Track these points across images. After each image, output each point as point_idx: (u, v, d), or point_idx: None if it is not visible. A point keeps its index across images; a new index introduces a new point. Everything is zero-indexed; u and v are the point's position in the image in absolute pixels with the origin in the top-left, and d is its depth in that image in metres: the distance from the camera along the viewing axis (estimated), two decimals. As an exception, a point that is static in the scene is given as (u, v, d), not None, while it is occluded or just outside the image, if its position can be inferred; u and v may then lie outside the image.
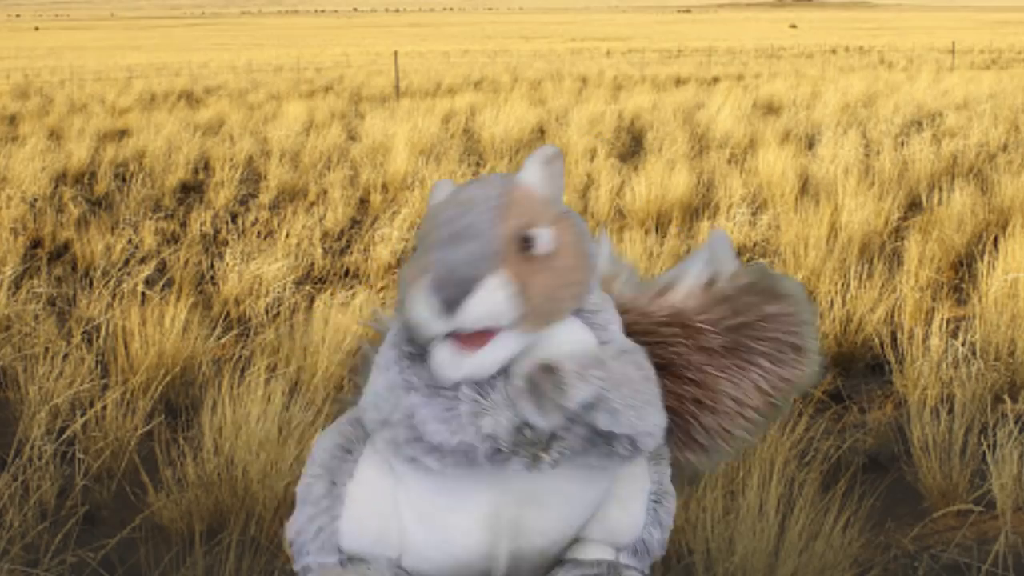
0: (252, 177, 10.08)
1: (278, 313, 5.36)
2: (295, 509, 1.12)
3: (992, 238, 6.52)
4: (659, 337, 1.12)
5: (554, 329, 1.03)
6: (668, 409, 1.14)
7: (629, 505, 1.14)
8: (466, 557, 1.07)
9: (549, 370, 0.99)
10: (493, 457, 0.99)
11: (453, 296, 0.96)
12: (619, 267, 1.22)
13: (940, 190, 7.95)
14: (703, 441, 1.18)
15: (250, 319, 5.49)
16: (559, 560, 1.14)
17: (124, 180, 9.85)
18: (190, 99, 19.99)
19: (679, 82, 23.12)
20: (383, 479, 1.08)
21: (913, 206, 8.10)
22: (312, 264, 6.71)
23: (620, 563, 1.14)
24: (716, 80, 23.27)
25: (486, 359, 0.99)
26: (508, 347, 1.00)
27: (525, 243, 1.00)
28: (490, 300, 0.97)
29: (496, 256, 0.98)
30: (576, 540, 1.14)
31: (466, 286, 0.96)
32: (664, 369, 1.12)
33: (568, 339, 1.04)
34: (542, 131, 13.22)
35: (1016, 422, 3.71)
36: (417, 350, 1.04)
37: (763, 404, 1.17)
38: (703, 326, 1.16)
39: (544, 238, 1.01)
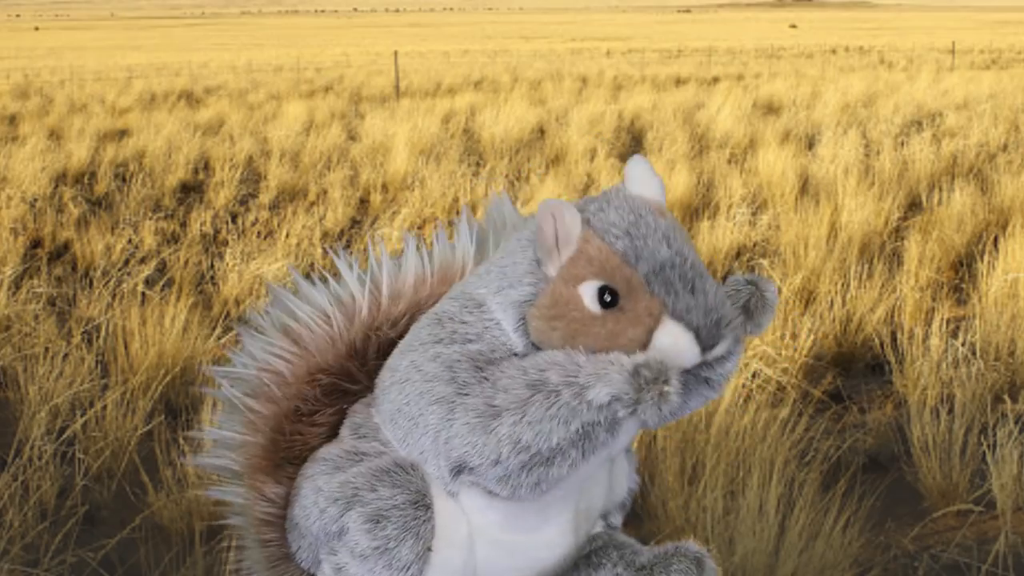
0: (252, 177, 10.09)
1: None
2: (359, 565, 1.01)
3: (992, 238, 6.52)
4: None
5: None
6: None
7: (619, 459, 1.14)
8: (552, 564, 1.05)
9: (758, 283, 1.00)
10: (613, 426, 0.94)
11: (720, 337, 0.94)
12: None
13: (940, 190, 7.95)
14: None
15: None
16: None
17: (124, 180, 9.85)
18: (190, 99, 20.00)
19: (679, 82, 23.13)
20: (459, 526, 1.01)
21: (913, 206, 8.10)
22: (312, 264, 6.72)
23: (608, 529, 1.13)
24: (716, 80, 23.28)
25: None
26: None
27: None
28: (733, 338, 0.96)
29: None
30: None
31: (731, 323, 0.95)
32: None
33: None
34: (542, 131, 13.22)
35: (1016, 422, 3.71)
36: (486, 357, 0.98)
37: None
38: None
39: None
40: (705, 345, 0.92)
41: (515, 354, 0.96)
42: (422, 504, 0.99)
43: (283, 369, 1.07)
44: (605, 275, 0.92)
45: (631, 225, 0.94)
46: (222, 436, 1.11)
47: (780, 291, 5.40)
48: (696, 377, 1.02)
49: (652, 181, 0.97)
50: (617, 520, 1.14)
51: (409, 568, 0.99)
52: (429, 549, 0.99)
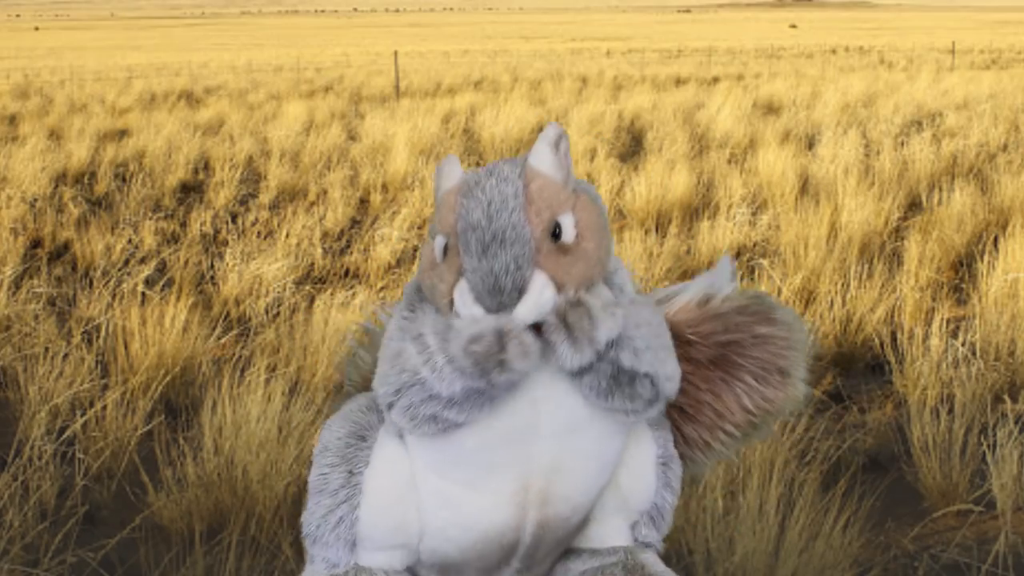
0: (252, 177, 10.09)
1: (278, 313, 5.36)
2: (308, 500, 1.11)
3: (992, 238, 6.52)
4: None
5: None
6: None
7: (639, 469, 1.15)
8: (494, 533, 1.08)
9: (578, 304, 1.01)
10: (507, 381, 1.00)
11: (503, 304, 0.98)
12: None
13: (940, 190, 7.95)
14: (681, 450, 1.20)
15: (250, 319, 5.49)
16: (574, 550, 1.14)
17: (124, 180, 9.85)
18: (190, 99, 20.00)
19: (679, 82, 23.13)
20: (400, 465, 1.09)
21: (913, 206, 8.11)
22: (312, 264, 6.72)
23: (636, 546, 1.14)
24: (716, 80, 23.28)
25: (529, 347, 1.01)
26: (545, 331, 1.02)
27: (553, 235, 1.01)
28: (540, 302, 0.99)
29: (533, 255, 0.99)
30: (590, 518, 1.14)
31: (514, 294, 0.98)
32: None
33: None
34: (542, 131, 13.21)
35: (1016, 422, 3.71)
36: (412, 314, 1.06)
37: (744, 421, 1.19)
38: (692, 338, 1.16)
39: (568, 226, 1.02)
40: (487, 308, 0.98)
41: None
42: (360, 436, 1.10)
43: None
44: (444, 228, 1.03)
45: (474, 185, 1.03)
46: (339, 384, 1.28)
47: (780, 291, 5.40)
48: (607, 383, 1.04)
49: (542, 151, 1.05)
50: (648, 533, 1.15)
51: (338, 492, 1.09)
52: (352, 473, 1.08)
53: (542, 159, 1.05)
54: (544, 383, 1.03)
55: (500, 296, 0.98)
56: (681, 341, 1.15)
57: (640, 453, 1.14)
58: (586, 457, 1.07)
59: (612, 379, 1.03)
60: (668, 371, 1.07)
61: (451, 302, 1.01)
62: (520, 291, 0.98)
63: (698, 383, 1.16)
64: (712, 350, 1.16)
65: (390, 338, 1.08)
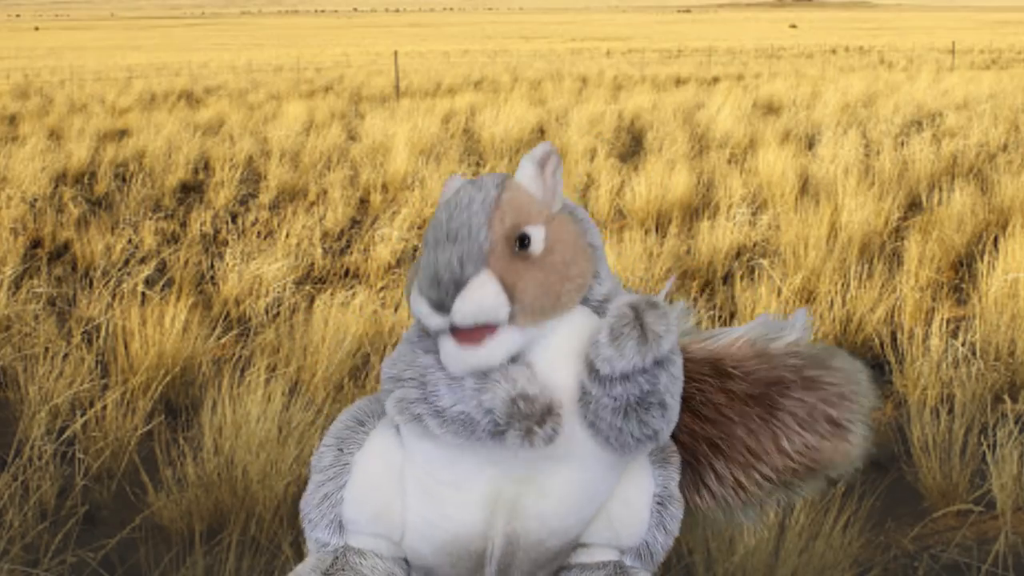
0: (252, 177, 10.09)
1: (278, 313, 5.36)
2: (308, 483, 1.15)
3: (992, 238, 6.52)
4: (686, 373, 1.11)
5: (561, 320, 1.05)
6: (681, 445, 1.15)
7: (633, 504, 1.14)
8: (464, 535, 1.08)
9: (655, 306, 1.02)
10: (493, 431, 1.01)
11: (442, 296, 1.00)
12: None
13: (940, 190, 7.95)
14: (714, 488, 1.17)
15: (250, 319, 5.49)
16: (564, 567, 1.14)
17: (124, 180, 9.85)
18: (190, 99, 20.00)
19: (679, 82, 23.13)
20: (392, 452, 1.11)
21: (913, 206, 8.10)
22: (312, 264, 6.72)
23: (626, 564, 1.14)
24: (716, 80, 23.28)
25: (488, 354, 1.01)
26: (508, 342, 1.01)
27: (519, 243, 1.02)
28: (476, 299, 0.99)
29: (483, 256, 1.00)
30: (580, 545, 1.14)
31: (452, 287, 0.99)
32: (683, 403, 1.12)
33: (575, 326, 1.05)
34: (542, 131, 13.22)
35: (1016, 422, 3.71)
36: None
37: (783, 467, 1.14)
38: (733, 371, 1.14)
39: (536, 237, 1.03)
40: (430, 299, 1.01)
41: None
42: (359, 421, 1.13)
43: None
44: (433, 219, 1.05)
45: (454, 193, 1.06)
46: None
47: (780, 292, 5.40)
48: (601, 393, 1.03)
49: (526, 168, 1.07)
50: (634, 564, 1.14)
51: (327, 470, 1.12)
52: (342, 452, 1.12)
53: (524, 174, 1.07)
54: None
55: (437, 288, 0.99)
56: (719, 372, 1.14)
57: (636, 488, 1.13)
58: (567, 482, 1.07)
59: (640, 398, 1.02)
60: (675, 416, 1.07)
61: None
62: (458, 285, 0.99)
63: (731, 416, 1.14)
64: (752, 386, 1.13)
65: (411, 333, 1.10)
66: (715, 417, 1.14)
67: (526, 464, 1.05)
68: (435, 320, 1.00)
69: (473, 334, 1.00)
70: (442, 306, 0.99)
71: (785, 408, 1.13)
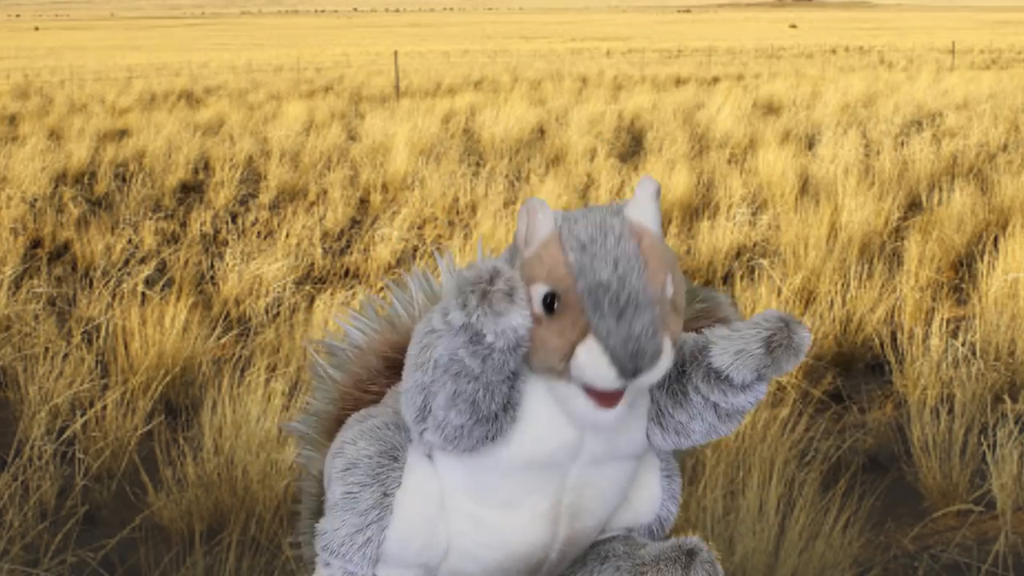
0: (252, 177, 10.09)
1: (278, 313, 5.36)
2: (331, 515, 1.09)
3: (992, 238, 6.52)
4: None
5: None
6: None
7: (647, 482, 1.14)
8: (524, 552, 1.06)
9: (799, 324, 1.00)
10: (476, 351, 0.98)
11: (639, 369, 0.95)
12: None
13: (940, 190, 7.95)
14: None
15: (250, 319, 5.49)
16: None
17: (124, 180, 9.85)
18: (190, 99, 20.00)
19: (679, 82, 23.13)
20: (430, 485, 1.07)
21: (913, 206, 8.11)
22: (312, 264, 6.72)
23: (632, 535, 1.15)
24: (716, 80, 23.28)
25: (617, 416, 0.99)
26: (629, 399, 0.99)
27: (663, 293, 0.98)
28: (667, 363, 0.96)
29: (662, 321, 0.96)
30: (601, 531, 1.14)
31: (653, 358, 0.95)
32: None
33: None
34: (542, 131, 13.23)
35: (1016, 422, 3.71)
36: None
37: None
38: None
39: (670, 284, 0.99)
40: (623, 371, 0.94)
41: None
42: (391, 455, 1.07)
43: (362, 343, 1.17)
44: (552, 281, 0.96)
45: (590, 240, 0.97)
46: (307, 405, 1.21)
47: (780, 291, 5.40)
48: (700, 397, 1.03)
49: (647, 207, 1.00)
50: (642, 538, 1.15)
51: (368, 512, 1.06)
52: (386, 495, 1.06)
53: (647, 215, 1.00)
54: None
55: (640, 361, 0.94)
56: None
57: (646, 467, 1.13)
58: (618, 472, 1.07)
59: (739, 409, 1.04)
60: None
61: (566, 358, 0.96)
62: (657, 357, 0.95)
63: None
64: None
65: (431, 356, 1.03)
66: None
67: (587, 467, 1.05)
68: (613, 385, 0.95)
69: (616, 395, 0.97)
70: (635, 375, 0.95)
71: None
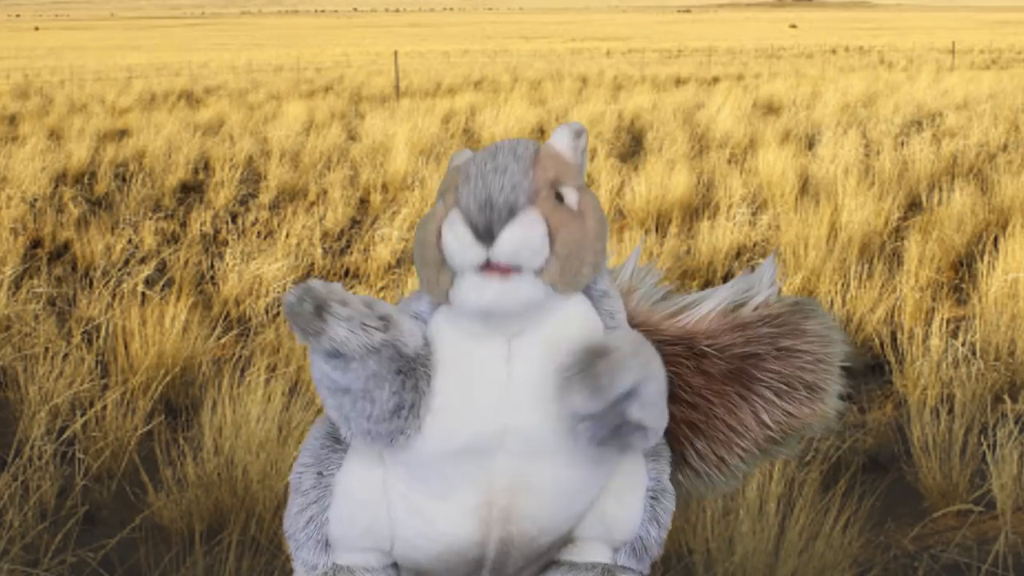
0: (252, 177, 10.09)
1: (278, 313, 5.36)
2: (289, 498, 1.12)
3: (992, 238, 6.52)
4: (661, 355, 1.10)
5: (567, 300, 1.02)
6: None
7: (626, 500, 1.12)
8: (458, 545, 1.07)
9: (602, 353, 0.98)
10: (330, 357, 1.01)
11: (491, 222, 0.94)
12: (642, 280, 1.20)
13: (940, 190, 7.95)
14: (695, 465, 1.16)
15: (250, 319, 5.49)
16: (553, 561, 1.13)
17: (124, 180, 9.85)
18: (190, 99, 19.99)
19: (679, 82, 23.13)
20: (372, 469, 1.08)
21: (913, 206, 8.10)
22: (312, 264, 6.72)
23: (616, 565, 1.12)
24: (716, 80, 23.27)
25: (511, 290, 0.97)
26: (533, 290, 0.97)
27: (556, 195, 0.99)
28: (527, 233, 0.95)
29: (531, 193, 0.97)
30: (571, 540, 1.13)
31: (504, 214, 0.94)
32: None
33: (577, 317, 1.02)
34: (542, 131, 13.23)
35: (1016, 422, 3.71)
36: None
37: (763, 438, 1.14)
38: (708, 350, 1.12)
39: (572, 196, 1.00)
40: (476, 232, 0.94)
41: None
42: (333, 436, 1.09)
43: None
44: (453, 200, 0.98)
45: (487, 152, 1.00)
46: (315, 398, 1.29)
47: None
48: (625, 424, 1.00)
49: (562, 134, 1.04)
50: (628, 562, 1.12)
51: (309, 492, 1.09)
52: (322, 475, 1.08)
53: (560, 140, 1.04)
54: (523, 405, 1.00)
55: (490, 211, 0.94)
56: (694, 353, 1.11)
57: (629, 483, 1.11)
58: (555, 480, 1.05)
59: (614, 429, 1.00)
60: (664, 423, 1.05)
61: (440, 247, 0.98)
62: (511, 213, 0.95)
63: (710, 397, 1.12)
64: (728, 363, 1.11)
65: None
66: (694, 400, 1.12)
67: (518, 470, 1.04)
68: (472, 252, 0.95)
69: (504, 271, 0.96)
70: (489, 234, 0.94)
71: (762, 381, 1.12)
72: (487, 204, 0.95)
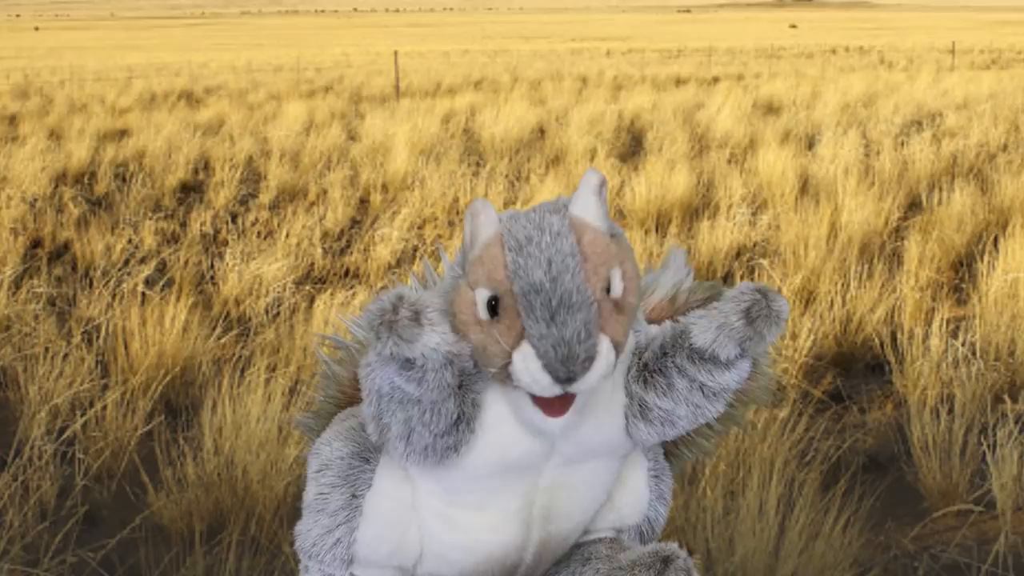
0: (252, 177, 10.09)
1: (278, 313, 5.36)
2: (305, 516, 1.10)
3: (992, 238, 6.53)
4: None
5: None
6: None
7: (632, 483, 1.13)
8: (499, 552, 1.06)
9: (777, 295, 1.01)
10: (402, 368, 0.99)
11: (574, 374, 0.93)
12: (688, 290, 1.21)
13: (940, 190, 7.95)
14: (669, 449, 1.18)
15: (250, 319, 5.49)
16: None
17: (124, 180, 9.85)
18: (190, 99, 19.99)
19: (679, 82, 23.13)
20: (401, 488, 1.07)
21: (913, 206, 8.11)
22: (312, 264, 6.72)
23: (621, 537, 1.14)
24: (716, 80, 23.27)
25: (566, 423, 0.98)
26: (580, 404, 0.99)
27: (605, 291, 0.97)
28: (604, 365, 0.95)
29: (598, 320, 0.95)
30: (585, 532, 1.14)
31: (587, 362, 0.94)
32: None
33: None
34: (542, 131, 13.23)
35: (1016, 422, 3.72)
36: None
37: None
38: None
39: (617, 280, 0.98)
40: (556, 377, 0.93)
41: None
42: (363, 457, 1.08)
43: (363, 339, 1.16)
44: (492, 284, 0.95)
45: (527, 240, 0.95)
46: (314, 401, 1.22)
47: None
48: (686, 381, 1.02)
49: (589, 200, 0.99)
50: (632, 541, 1.14)
51: (338, 513, 1.07)
52: (355, 496, 1.07)
53: (588, 209, 1.00)
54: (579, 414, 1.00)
55: (573, 364, 0.93)
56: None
57: (633, 468, 1.12)
58: (593, 473, 1.06)
59: (722, 387, 1.03)
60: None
61: (506, 364, 0.95)
62: (591, 359, 0.93)
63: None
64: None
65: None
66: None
67: (559, 468, 1.04)
68: (548, 390, 0.94)
69: (561, 401, 0.96)
70: (571, 381, 0.93)
71: None
72: (568, 358, 0.93)
